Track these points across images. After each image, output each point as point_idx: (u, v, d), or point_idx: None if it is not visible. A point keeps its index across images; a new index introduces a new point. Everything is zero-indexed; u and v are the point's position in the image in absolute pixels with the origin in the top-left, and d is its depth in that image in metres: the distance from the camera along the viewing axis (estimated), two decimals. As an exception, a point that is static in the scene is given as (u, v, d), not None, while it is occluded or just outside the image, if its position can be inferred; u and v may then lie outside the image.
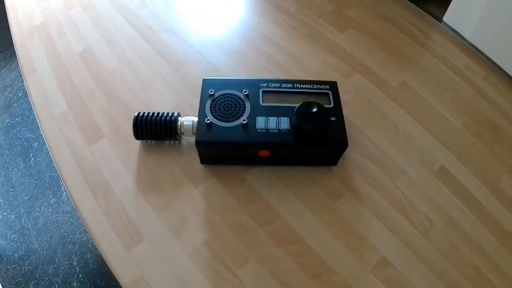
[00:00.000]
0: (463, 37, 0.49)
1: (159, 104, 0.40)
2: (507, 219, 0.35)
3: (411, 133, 0.39)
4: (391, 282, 0.30)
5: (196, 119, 0.33)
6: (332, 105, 0.33)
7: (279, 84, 0.34)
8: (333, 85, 0.35)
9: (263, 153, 0.32)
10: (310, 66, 0.44)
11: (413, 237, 0.33)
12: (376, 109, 0.41)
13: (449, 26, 0.50)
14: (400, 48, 0.47)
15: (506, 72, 0.46)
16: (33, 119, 1.15)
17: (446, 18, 0.50)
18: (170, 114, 0.35)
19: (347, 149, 0.33)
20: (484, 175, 0.37)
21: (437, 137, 0.39)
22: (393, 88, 0.43)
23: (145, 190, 0.34)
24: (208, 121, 0.31)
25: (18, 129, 1.13)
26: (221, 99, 0.33)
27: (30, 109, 1.19)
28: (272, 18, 0.49)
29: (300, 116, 0.30)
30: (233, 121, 0.32)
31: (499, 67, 0.46)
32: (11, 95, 1.20)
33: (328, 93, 0.34)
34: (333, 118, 0.32)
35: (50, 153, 0.37)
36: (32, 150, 1.09)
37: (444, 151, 0.38)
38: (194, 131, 0.33)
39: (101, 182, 0.34)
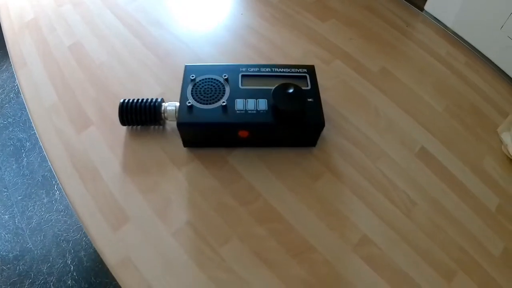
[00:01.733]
0: (445, 25, 0.50)
1: (146, 93, 0.41)
2: (491, 199, 0.35)
3: (391, 116, 0.40)
4: (372, 260, 0.31)
5: (178, 104, 0.34)
6: (309, 87, 0.34)
7: (258, 69, 0.35)
8: (310, 69, 0.35)
9: (243, 133, 0.33)
10: (292, 54, 0.45)
11: (395, 216, 0.33)
12: (356, 94, 0.41)
13: (430, 14, 0.51)
14: (381, 36, 0.48)
15: (488, 58, 0.47)
16: (25, 119, 1.16)
17: (427, 6, 0.51)
18: (154, 100, 0.35)
19: (327, 131, 0.33)
20: (466, 157, 0.37)
21: (418, 120, 0.40)
22: (374, 74, 0.43)
23: (131, 174, 0.34)
24: (189, 104, 0.32)
25: (10, 129, 1.14)
26: (202, 83, 0.34)
27: (22, 109, 1.20)
28: (256, 10, 0.50)
29: (277, 96, 0.31)
30: (213, 103, 0.32)
31: (481, 53, 0.47)
32: (2, 96, 1.21)
33: (306, 76, 0.35)
34: (310, 99, 0.33)
35: (41, 143, 0.38)
36: (24, 150, 1.10)
37: (425, 133, 0.39)
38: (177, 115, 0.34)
39: (89, 167, 0.35)
